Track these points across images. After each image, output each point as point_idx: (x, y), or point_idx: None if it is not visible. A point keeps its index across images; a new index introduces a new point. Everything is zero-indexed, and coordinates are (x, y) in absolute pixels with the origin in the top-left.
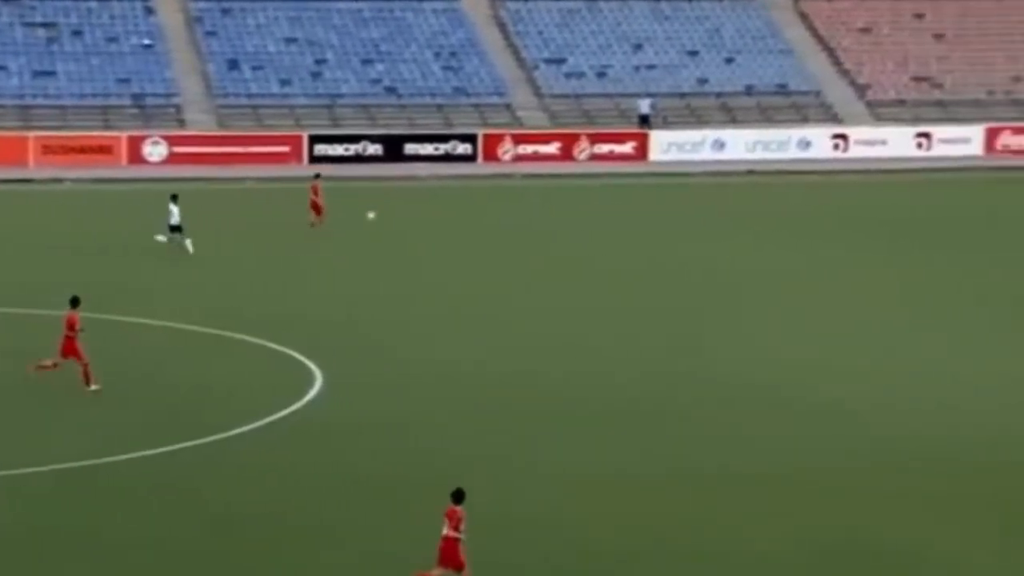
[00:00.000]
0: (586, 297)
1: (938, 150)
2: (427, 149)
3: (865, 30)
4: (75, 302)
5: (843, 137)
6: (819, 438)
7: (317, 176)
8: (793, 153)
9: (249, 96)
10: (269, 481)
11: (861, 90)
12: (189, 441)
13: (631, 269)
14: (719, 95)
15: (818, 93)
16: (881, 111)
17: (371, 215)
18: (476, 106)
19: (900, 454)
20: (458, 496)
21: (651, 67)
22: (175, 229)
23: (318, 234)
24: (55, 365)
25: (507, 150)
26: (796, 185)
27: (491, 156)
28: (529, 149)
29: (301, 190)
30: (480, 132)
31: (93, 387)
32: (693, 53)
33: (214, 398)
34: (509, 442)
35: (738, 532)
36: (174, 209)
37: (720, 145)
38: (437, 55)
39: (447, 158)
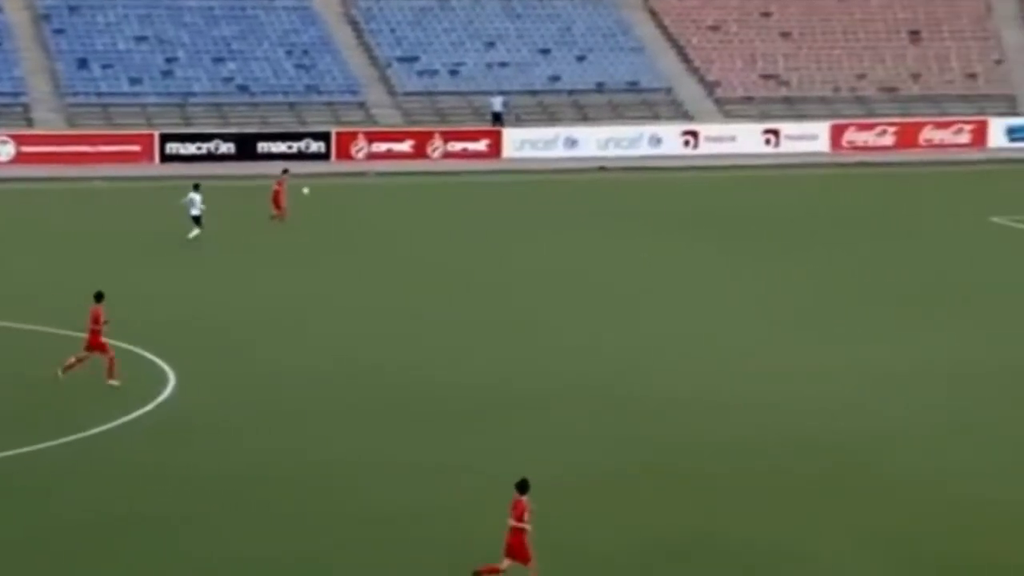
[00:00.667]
0: (428, 296)
1: (786, 147)
2: (280, 147)
3: (714, 28)
4: (99, 296)
5: (693, 134)
6: (658, 436)
7: (285, 171)
8: (644, 150)
9: (99, 95)
10: (118, 480)
11: (710, 87)
12: (45, 442)
13: (476, 267)
14: (571, 93)
15: (668, 90)
16: (730, 108)
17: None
18: (329, 104)
19: (741, 451)
20: (522, 487)
21: (503, 65)
22: (195, 219)
23: (168, 235)
24: (80, 360)
25: (360, 148)
26: (647, 182)
27: (344, 154)
28: (383, 147)
29: (153, 189)
30: (333, 130)
31: (114, 382)
32: (545, 51)
33: (66, 399)
34: (358, 438)
35: (580, 532)
36: (196, 197)
37: (572, 142)
38: (289, 53)
39: (300, 156)
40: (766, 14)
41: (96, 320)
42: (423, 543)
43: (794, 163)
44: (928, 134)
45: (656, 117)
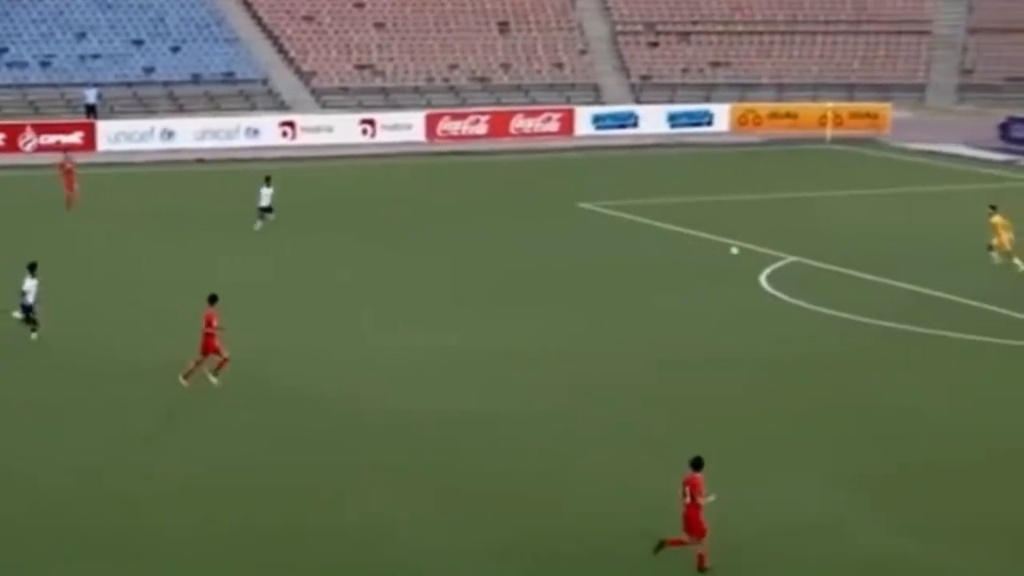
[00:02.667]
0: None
1: (382, 136)
2: None
3: (308, 18)
4: (213, 299)
5: (291, 125)
6: (281, 427)
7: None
8: (242, 141)
9: None
10: None
11: (306, 78)
12: None
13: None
14: (166, 84)
15: (265, 81)
16: (327, 99)
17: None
18: None
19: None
20: (697, 464)
21: (96, 56)
22: (265, 211)
23: None
24: (198, 364)
25: None
26: (246, 173)
27: None
28: None
29: None
30: None
31: (214, 380)
32: (138, 42)
33: None
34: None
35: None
36: (265, 191)
37: (169, 134)
38: None
39: None
40: (359, 5)
41: (210, 323)
42: None
43: (391, 152)
44: (519, 123)
45: (253, 108)
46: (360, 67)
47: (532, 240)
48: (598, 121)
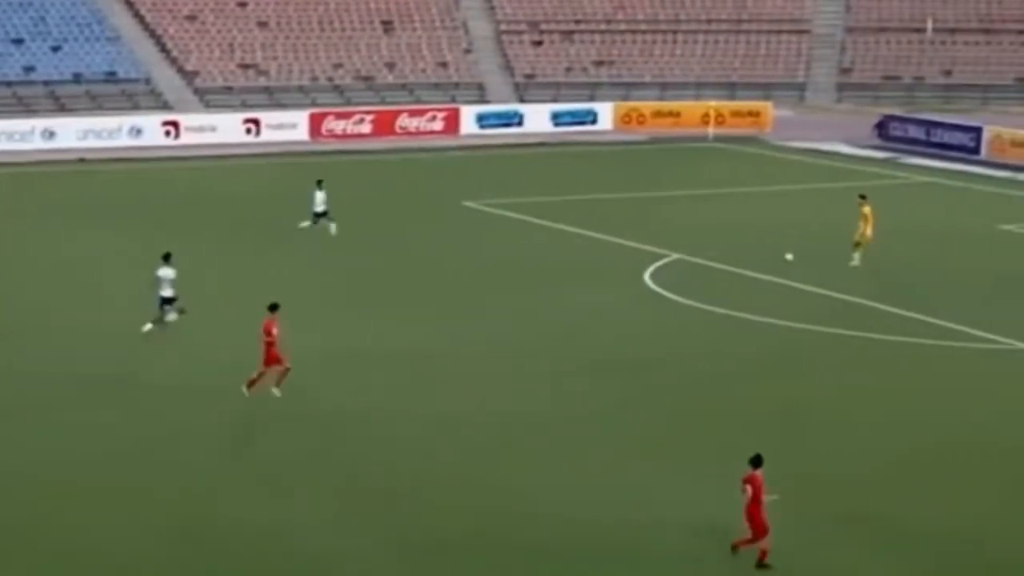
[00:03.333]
0: None
1: (267, 136)
2: None
3: (191, 17)
4: (274, 308)
5: (174, 124)
6: (174, 428)
7: None
8: (125, 141)
9: None
10: None
11: (189, 77)
12: None
13: None
14: (47, 83)
15: (148, 80)
16: (210, 98)
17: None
18: None
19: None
20: (757, 461)
21: None
22: (320, 215)
23: None
24: (261, 375)
25: None
26: (129, 172)
27: None
28: None
29: None
30: None
31: (276, 391)
32: (18, 41)
33: None
34: None
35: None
36: (319, 195)
37: (50, 134)
38: None
39: None
40: (242, 4)
41: (268, 332)
42: None
43: (275, 152)
44: (404, 122)
45: (136, 107)
46: (244, 66)
47: (416, 239)
48: (483, 120)
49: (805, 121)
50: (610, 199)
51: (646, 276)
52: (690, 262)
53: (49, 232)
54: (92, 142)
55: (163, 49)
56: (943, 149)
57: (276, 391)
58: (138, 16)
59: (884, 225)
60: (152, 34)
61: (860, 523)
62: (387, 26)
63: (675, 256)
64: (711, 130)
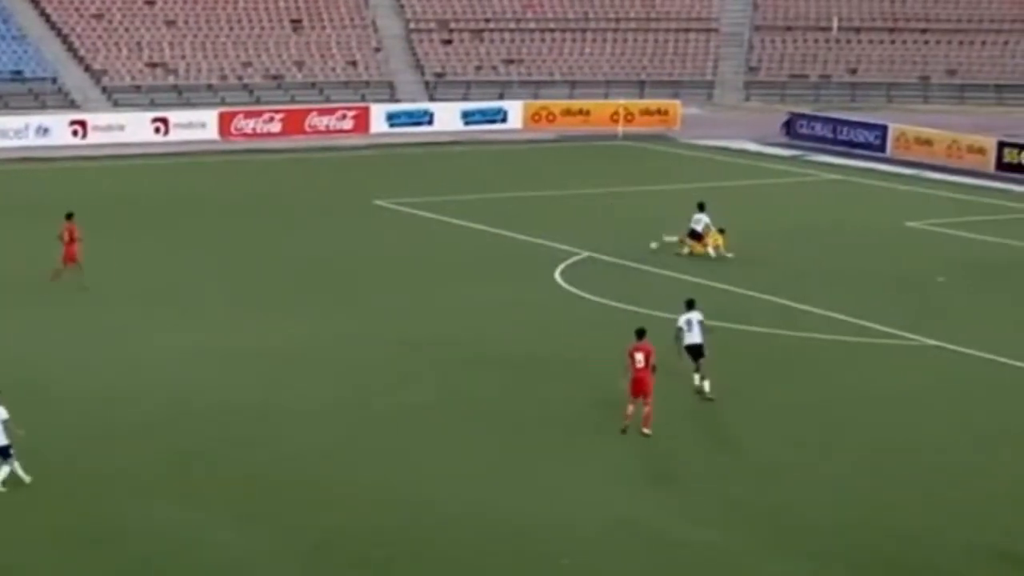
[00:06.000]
0: None
1: (176, 135)
2: None
3: (97, 16)
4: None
5: (82, 124)
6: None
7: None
8: (32, 140)
9: None
10: None
11: (97, 76)
12: None
13: None
14: None
15: (55, 79)
16: (118, 97)
17: None
18: None
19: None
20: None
21: None
22: (693, 235)
23: None
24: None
25: None
26: (36, 172)
27: None
28: None
29: None
30: None
31: (646, 431)
32: None
33: None
34: None
35: None
36: (703, 217)
37: None
38: None
39: None
40: (150, 2)
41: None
42: None
43: (184, 151)
44: (313, 120)
45: (43, 107)
46: (152, 65)
47: (327, 237)
48: (393, 119)
49: (713, 119)
50: (521, 197)
51: (556, 274)
52: (600, 260)
53: None
54: None
55: (70, 48)
56: (849, 147)
57: (647, 431)
58: (44, 15)
59: (792, 222)
60: (59, 33)
61: (745, 508)
62: (296, 25)
63: (585, 254)
64: (620, 128)
